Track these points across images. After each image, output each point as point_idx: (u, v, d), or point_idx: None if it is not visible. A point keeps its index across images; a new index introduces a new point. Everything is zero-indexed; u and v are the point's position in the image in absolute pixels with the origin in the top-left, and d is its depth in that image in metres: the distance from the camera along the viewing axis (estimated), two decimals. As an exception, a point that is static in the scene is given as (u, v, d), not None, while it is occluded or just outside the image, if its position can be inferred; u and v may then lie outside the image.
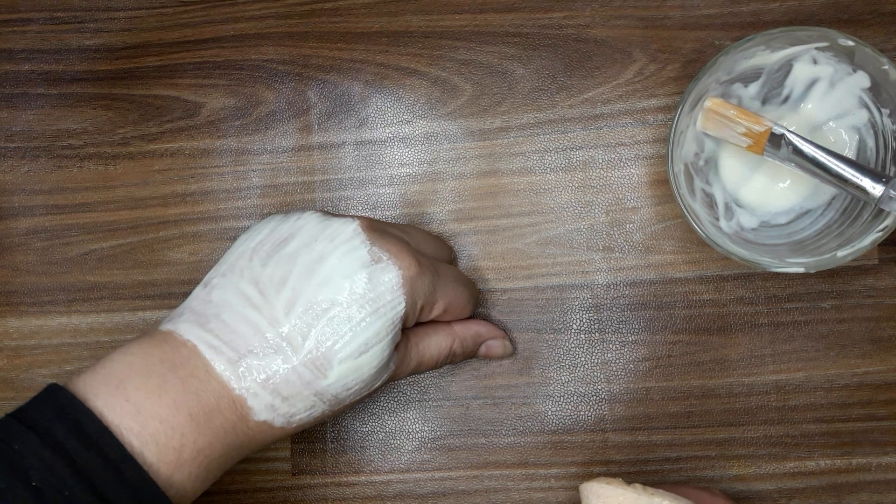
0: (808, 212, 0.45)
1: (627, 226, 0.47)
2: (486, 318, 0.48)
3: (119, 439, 0.33)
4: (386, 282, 0.38)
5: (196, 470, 0.35)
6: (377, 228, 0.39)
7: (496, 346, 0.46)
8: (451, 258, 0.47)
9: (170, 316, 0.39)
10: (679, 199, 0.42)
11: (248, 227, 0.41)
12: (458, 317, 0.44)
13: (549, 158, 0.48)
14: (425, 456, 0.48)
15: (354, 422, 0.48)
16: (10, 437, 0.33)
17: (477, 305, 0.47)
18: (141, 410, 0.34)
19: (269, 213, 0.49)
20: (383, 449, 0.48)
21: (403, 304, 0.38)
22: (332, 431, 0.48)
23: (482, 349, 0.46)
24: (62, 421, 0.33)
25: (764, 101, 0.45)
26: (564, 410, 0.47)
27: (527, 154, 0.48)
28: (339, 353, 0.37)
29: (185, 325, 0.38)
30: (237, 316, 0.37)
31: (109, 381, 0.35)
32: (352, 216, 0.39)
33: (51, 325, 0.49)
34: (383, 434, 0.48)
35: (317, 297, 0.37)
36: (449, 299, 0.42)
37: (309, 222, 0.39)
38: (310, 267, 0.38)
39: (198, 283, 0.49)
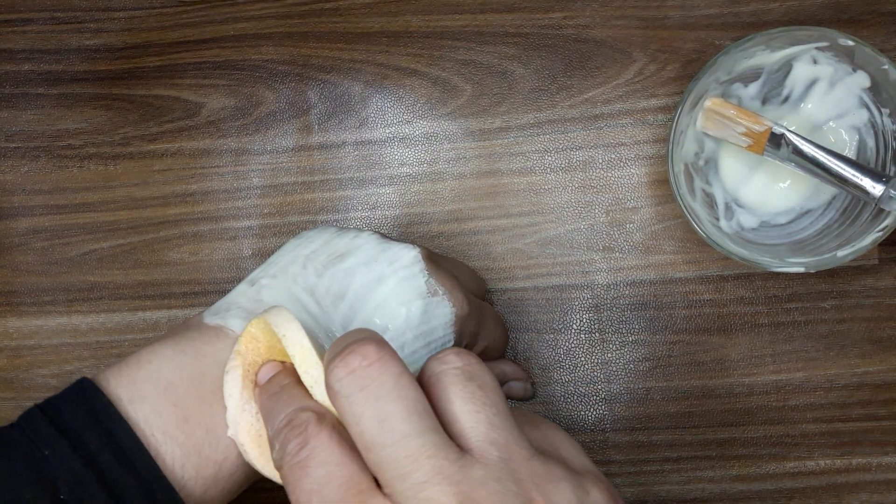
0: (808, 211, 0.45)
1: (627, 226, 0.47)
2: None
3: (159, 451, 0.32)
4: (440, 316, 0.37)
5: (230, 486, 0.34)
6: (433, 260, 0.39)
7: (517, 388, 0.46)
8: (485, 294, 0.47)
9: (212, 309, 0.37)
10: (679, 199, 0.42)
11: (299, 234, 0.40)
12: (492, 357, 0.44)
13: (550, 158, 0.48)
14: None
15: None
16: (40, 440, 0.31)
17: (507, 345, 0.47)
18: (189, 418, 0.33)
19: (269, 213, 0.49)
20: (383, 449, 0.48)
21: (452, 343, 0.38)
22: (333, 431, 0.48)
23: (503, 388, 0.46)
24: (96, 429, 0.31)
25: (764, 101, 0.45)
26: (565, 410, 0.47)
27: (527, 154, 0.48)
28: None
29: (236, 321, 0.36)
30: None
31: (157, 382, 0.33)
32: (411, 243, 0.38)
33: (51, 325, 0.49)
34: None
35: (373, 318, 0.36)
36: (489, 341, 0.42)
37: (368, 242, 0.38)
38: (368, 286, 0.37)
39: (197, 283, 0.49)
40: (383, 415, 0.26)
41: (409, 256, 0.38)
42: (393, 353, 0.28)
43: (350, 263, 0.37)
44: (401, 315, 0.36)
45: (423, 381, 0.29)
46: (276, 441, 0.29)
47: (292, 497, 0.28)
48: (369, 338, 0.28)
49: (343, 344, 0.28)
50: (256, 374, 0.33)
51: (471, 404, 0.28)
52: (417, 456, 0.26)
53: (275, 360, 0.33)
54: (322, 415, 0.29)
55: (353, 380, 0.27)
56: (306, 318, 0.36)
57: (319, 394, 0.30)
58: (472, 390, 0.28)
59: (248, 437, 0.33)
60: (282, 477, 0.29)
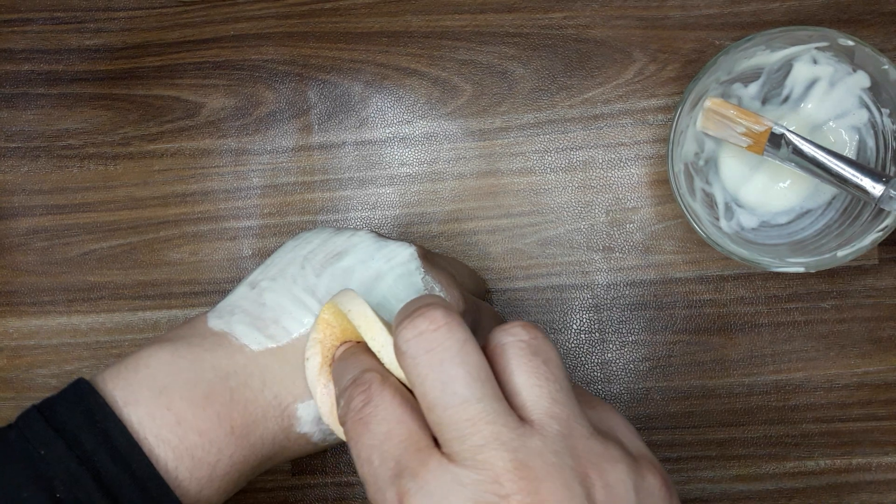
0: (808, 211, 0.45)
1: (628, 226, 0.47)
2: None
3: (152, 453, 0.32)
4: None
5: (226, 485, 0.35)
6: (429, 258, 0.39)
7: None
8: (484, 294, 0.47)
9: (216, 312, 0.37)
10: (679, 198, 0.42)
11: (296, 235, 0.40)
12: None
13: (550, 158, 0.48)
14: (425, 456, 0.48)
15: (354, 422, 0.48)
16: (37, 440, 0.32)
17: None
18: (182, 422, 0.33)
19: (269, 213, 0.49)
20: (383, 449, 0.48)
21: None
22: (332, 431, 0.48)
23: None
24: (91, 429, 0.32)
25: (764, 101, 0.45)
26: (564, 410, 0.47)
27: (527, 154, 0.48)
28: None
29: (241, 327, 0.36)
30: (297, 323, 0.36)
31: (152, 386, 0.34)
32: (407, 242, 0.39)
33: (51, 325, 0.49)
34: (383, 434, 0.48)
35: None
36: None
37: (364, 240, 0.38)
38: (367, 284, 0.37)
39: (197, 283, 0.49)
40: (447, 377, 0.27)
41: (405, 254, 0.38)
42: (460, 320, 0.28)
43: (348, 262, 0.37)
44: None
45: (489, 351, 0.29)
46: (342, 398, 0.30)
47: (354, 451, 0.29)
48: (437, 303, 0.28)
49: (412, 308, 0.29)
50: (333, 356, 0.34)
51: (535, 378, 0.28)
52: (477, 420, 0.27)
53: (350, 341, 0.34)
54: (386, 375, 0.30)
55: (420, 342, 0.28)
56: (309, 318, 0.36)
57: (386, 357, 0.31)
58: (537, 364, 0.29)
59: (331, 418, 0.34)
60: (345, 432, 0.30)
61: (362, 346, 0.33)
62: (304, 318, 0.36)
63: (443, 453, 0.27)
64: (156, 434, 0.33)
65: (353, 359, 0.32)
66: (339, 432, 0.34)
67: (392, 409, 0.29)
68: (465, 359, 0.27)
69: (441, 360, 0.27)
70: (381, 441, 0.28)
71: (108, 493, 0.31)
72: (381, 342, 0.31)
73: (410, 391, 0.29)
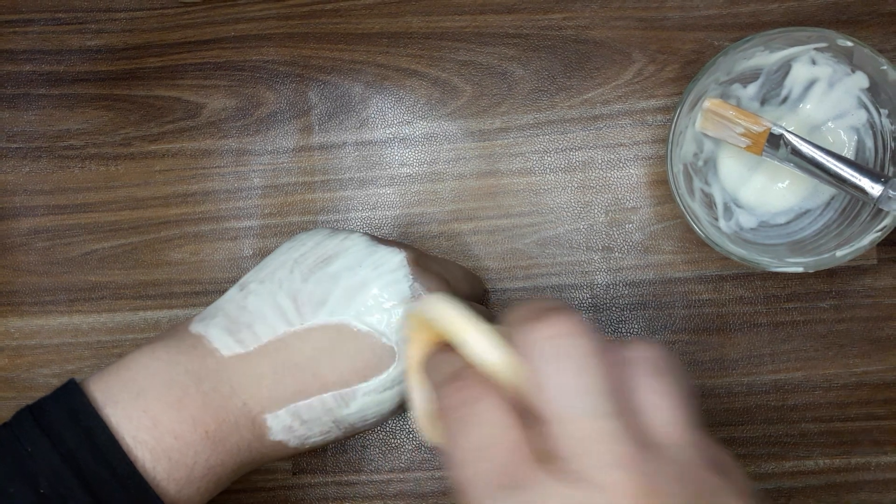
0: (806, 212, 0.45)
1: (627, 226, 0.48)
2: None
3: (130, 453, 0.33)
4: None
5: (205, 486, 0.35)
6: (420, 264, 0.39)
7: None
8: (482, 295, 0.47)
9: (202, 314, 0.38)
10: (678, 199, 0.42)
11: (294, 236, 0.40)
12: None
13: (549, 159, 0.48)
14: (426, 455, 0.48)
15: (355, 421, 0.48)
16: (25, 437, 0.33)
17: None
18: (157, 424, 0.34)
19: (270, 213, 0.49)
20: (384, 448, 0.48)
21: None
22: (333, 431, 0.49)
23: None
24: (75, 428, 0.33)
25: (763, 102, 0.45)
26: (564, 410, 0.48)
27: (526, 154, 0.48)
28: (366, 385, 0.37)
29: (216, 330, 0.37)
30: (269, 329, 0.37)
31: (131, 388, 0.34)
32: (399, 247, 0.39)
33: (52, 324, 0.50)
34: (384, 433, 0.48)
35: (353, 322, 0.37)
36: None
37: (356, 244, 0.38)
38: (350, 291, 0.37)
39: (198, 283, 0.49)
40: (582, 388, 0.25)
41: (394, 261, 0.38)
42: (591, 329, 0.26)
43: (335, 268, 0.38)
44: (382, 322, 0.37)
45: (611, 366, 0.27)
46: (440, 391, 0.28)
47: (454, 451, 0.27)
48: (565, 308, 0.27)
49: (541, 309, 0.27)
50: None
51: (663, 399, 0.27)
52: (607, 438, 0.25)
53: (441, 341, 0.33)
54: (485, 377, 0.28)
55: (552, 346, 0.26)
56: (284, 327, 0.36)
57: (487, 358, 0.29)
58: (667, 385, 0.27)
59: (425, 422, 0.34)
60: (446, 427, 0.28)
61: (454, 349, 0.30)
62: (279, 325, 0.36)
63: (551, 469, 0.25)
64: (133, 435, 0.34)
65: (447, 355, 0.30)
66: (433, 436, 0.33)
67: (500, 412, 0.26)
68: (600, 371, 0.25)
69: (577, 367, 0.25)
70: (486, 445, 0.26)
71: (90, 490, 0.32)
72: (479, 345, 0.29)
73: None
